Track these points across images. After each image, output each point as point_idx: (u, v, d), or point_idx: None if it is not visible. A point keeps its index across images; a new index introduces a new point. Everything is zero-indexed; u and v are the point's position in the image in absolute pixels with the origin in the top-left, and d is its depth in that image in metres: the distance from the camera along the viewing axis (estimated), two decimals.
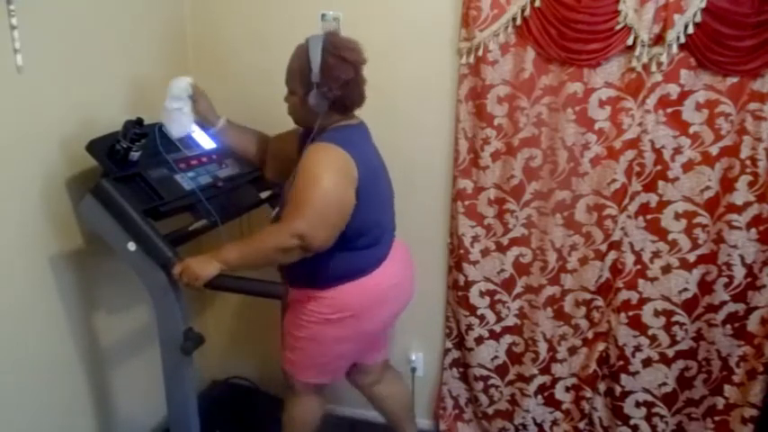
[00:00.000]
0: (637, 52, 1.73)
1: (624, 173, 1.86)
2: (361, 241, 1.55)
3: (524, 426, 2.18)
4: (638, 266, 1.94)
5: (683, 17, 1.67)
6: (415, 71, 1.98)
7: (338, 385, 2.01)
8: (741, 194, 1.78)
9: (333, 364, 1.74)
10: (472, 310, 2.11)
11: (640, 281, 1.95)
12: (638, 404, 2.05)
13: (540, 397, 2.14)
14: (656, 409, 2.04)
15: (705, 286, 1.90)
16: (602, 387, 2.11)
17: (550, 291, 2.03)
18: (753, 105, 1.71)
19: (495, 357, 2.16)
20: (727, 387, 1.93)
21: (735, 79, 1.71)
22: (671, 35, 1.69)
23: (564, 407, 2.14)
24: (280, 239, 1.43)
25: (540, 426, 2.17)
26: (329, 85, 1.46)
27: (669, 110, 1.79)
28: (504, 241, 2.03)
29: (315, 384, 1.77)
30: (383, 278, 1.60)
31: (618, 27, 1.72)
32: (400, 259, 1.69)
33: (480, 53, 1.86)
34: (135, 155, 1.52)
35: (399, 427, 2.03)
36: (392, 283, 1.64)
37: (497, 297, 2.10)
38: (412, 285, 1.77)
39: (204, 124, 1.78)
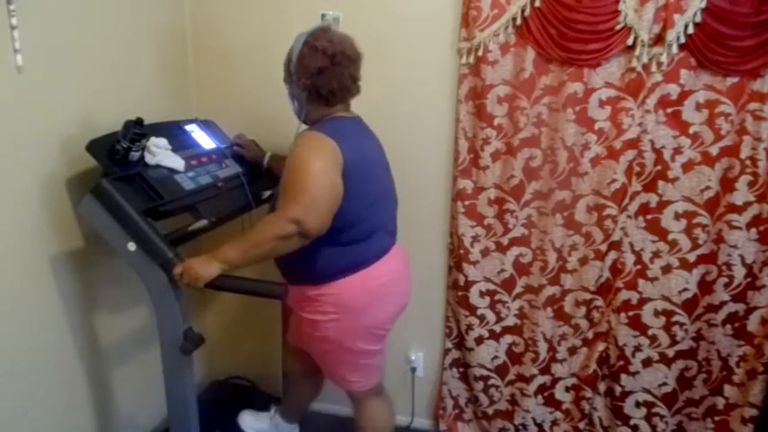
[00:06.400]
0: (637, 52, 1.73)
1: (624, 173, 1.86)
2: (350, 234, 1.55)
3: (524, 426, 2.18)
4: (638, 266, 1.94)
5: (683, 17, 1.67)
6: (415, 71, 1.98)
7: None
8: (741, 194, 1.78)
9: (365, 362, 1.73)
10: (472, 310, 2.11)
11: (640, 281, 1.95)
12: (638, 404, 2.05)
13: (540, 397, 2.14)
14: (656, 409, 2.04)
15: (705, 286, 1.90)
16: (602, 387, 2.11)
17: (550, 291, 2.03)
18: (753, 105, 1.71)
19: (495, 357, 2.16)
20: (727, 387, 1.93)
21: (735, 79, 1.71)
22: (671, 35, 1.69)
23: (564, 407, 2.14)
24: (276, 228, 1.44)
25: (540, 426, 2.17)
26: (299, 73, 1.51)
27: (669, 110, 1.79)
28: (504, 241, 2.03)
29: (369, 389, 1.78)
30: (380, 273, 1.61)
31: (618, 27, 1.72)
32: (399, 261, 1.69)
33: (480, 53, 1.86)
34: (135, 155, 1.52)
35: None
36: (390, 278, 1.64)
37: (497, 297, 2.10)
38: (409, 287, 1.77)
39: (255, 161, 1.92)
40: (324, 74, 1.50)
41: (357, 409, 1.84)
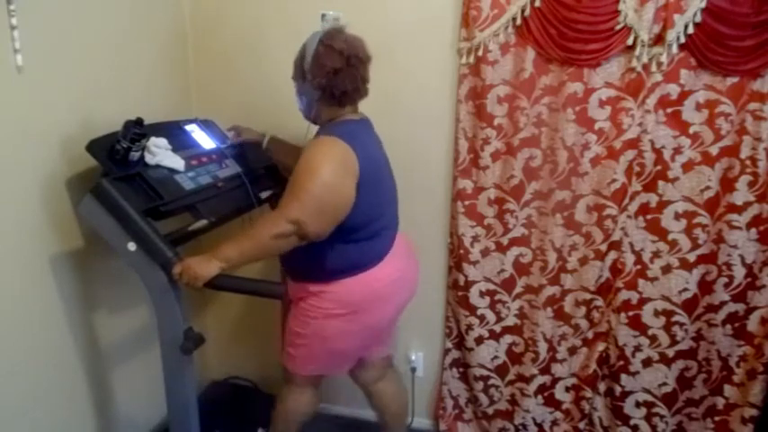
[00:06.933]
0: (637, 52, 1.73)
1: (624, 173, 1.86)
2: (359, 234, 1.55)
3: (524, 426, 2.18)
4: (638, 266, 1.94)
5: (683, 17, 1.67)
6: (415, 71, 1.98)
7: (335, 384, 2.01)
8: (741, 194, 1.78)
9: (336, 360, 1.74)
10: (472, 310, 2.11)
11: (640, 281, 1.95)
12: (638, 404, 2.05)
13: (540, 397, 2.14)
14: (656, 409, 2.04)
15: (705, 286, 1.90)
16: (602, 387, 2.11)
17: (550, 291, 2.03)
18: (753, 105, 1.71)
19: (495, 357, 2.16)
20: (727, 387, 1.93)
21: (735, 79, 1.71)
22: (671, 35, 1.69)
23: (564, 407, 2.14)
24: (275, 226, 1.44)
25: (540, 426, 2.17)
26: (314, 72, 1.49)
27: (669, 110, 1.79)
28: (504, 241, 2.03)
29: (315, 376, 1.78)
30: (385, 273, 1.61)
31: (618, 27, 1.72)
32: (403, 253, 1.69)
33: (480, 53, 1.86)
34: (135, 155, 1.52)
35: (390, 427, 2.01)
36: (395, 278, 1.64)
37: (497, 297, 2.10)
38: (416, 277, 1.77)
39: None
40: (339, 75, 1.49)
41: (288, 390, 1.79)
